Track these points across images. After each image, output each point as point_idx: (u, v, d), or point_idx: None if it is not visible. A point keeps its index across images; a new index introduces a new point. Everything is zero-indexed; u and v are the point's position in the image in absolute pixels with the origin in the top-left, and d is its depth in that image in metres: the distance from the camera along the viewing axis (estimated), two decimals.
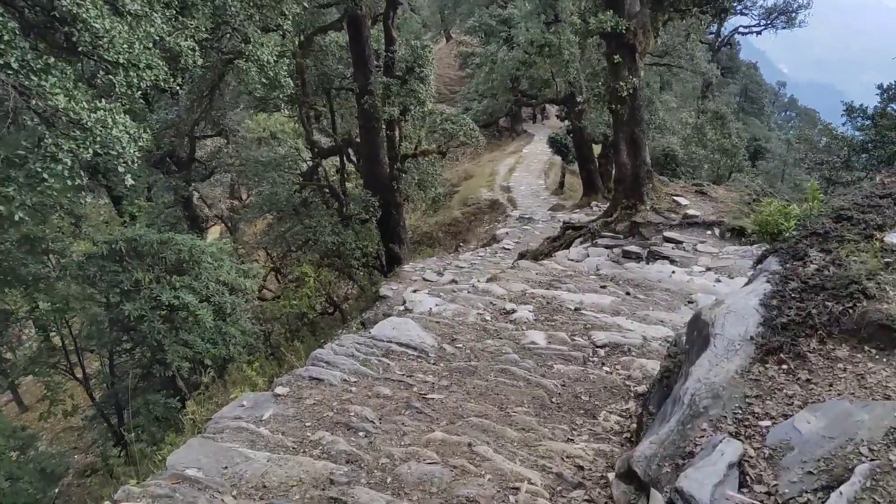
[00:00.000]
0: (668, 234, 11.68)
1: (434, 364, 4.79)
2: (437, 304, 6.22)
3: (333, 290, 21.47)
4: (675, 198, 12.96)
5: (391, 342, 5.08)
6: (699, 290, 7.19)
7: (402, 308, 13.22)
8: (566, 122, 32.53)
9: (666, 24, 13.87)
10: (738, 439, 2.63)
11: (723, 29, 47.30)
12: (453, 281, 16.60)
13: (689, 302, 6.84)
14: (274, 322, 20.26)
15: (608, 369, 4.84)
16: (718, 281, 9.39)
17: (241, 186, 32.31)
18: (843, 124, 20.02)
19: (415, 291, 13.89)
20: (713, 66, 36.26)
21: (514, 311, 6.15)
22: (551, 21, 27.64)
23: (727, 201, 12.75)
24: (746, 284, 4.08)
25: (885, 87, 18.91)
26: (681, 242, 11.31)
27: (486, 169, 41.76)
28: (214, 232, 38.26)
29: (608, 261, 11.45)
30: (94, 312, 13.56)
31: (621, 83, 12.17)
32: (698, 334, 3.57)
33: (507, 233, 22.82)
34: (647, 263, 10.91)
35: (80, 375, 16.07)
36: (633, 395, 4.42)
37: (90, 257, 12.42)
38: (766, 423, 2.67)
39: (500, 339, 5.42)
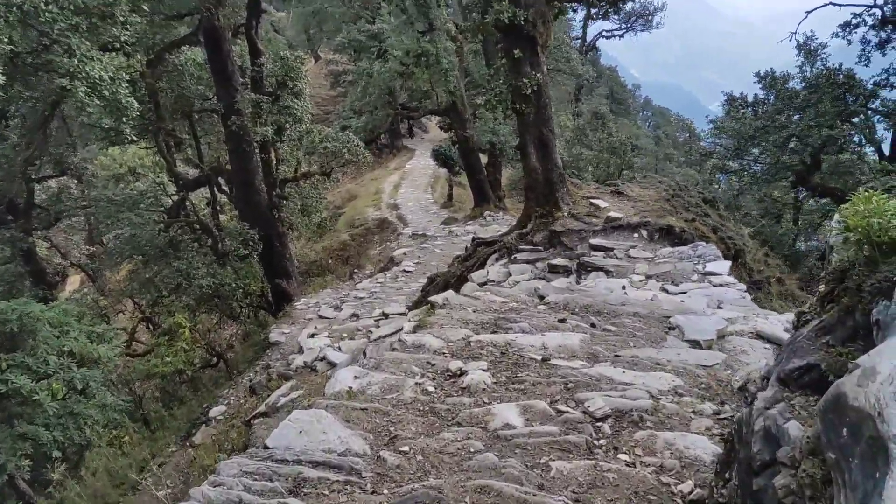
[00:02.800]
0: (594, 241, 10.52)
1: (373, 492, 3.06)
2: (356, 378, 4.47)
3: (215, 337, 18.85)
4: (592, 201, 11.89)
5: (301, 462, 3.26)
6: (671, 310, 5.91)
7: (299, 359, 11.20)
8: (450, 133, 31.60)
9: (557, 17, 12.83)
10: None
11: (587, 34, 48.66)
12: (354, 315, 14.72)
13: (668, 329, 5.51)
14: (147, 381, 17.49)
15: (627, 458, 3.35)
16: (666, 291, 8.24)
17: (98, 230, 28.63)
18: (726, 114, 20.34)
19: (312, 335, 11.90)
20: (588, 67, 36.78)
21: (463, 372, 4.54)
22: (426, 30, 26.44)
23: (646, 199, 11.85)
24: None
25: (762, 74, 19.19)
26: (610, 249, 10.16)
27: (371, 188, 40.24)
28: (74, 283, 33.86)
29: (535, 278, 10.09)
30: None
31: (524, 80, 10.94)
32: (851, 435, 2.05)
33: (404, 253, 21.17)
34: (579, 277, 9.65)
35: None
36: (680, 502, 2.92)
37: None
38: None
39: (460, 425, 3.78)
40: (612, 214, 11.03)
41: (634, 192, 12.17)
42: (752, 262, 11.12)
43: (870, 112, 16.82)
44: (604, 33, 48.16)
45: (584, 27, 46.25)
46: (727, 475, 2.92)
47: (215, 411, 11.03)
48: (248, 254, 17.94)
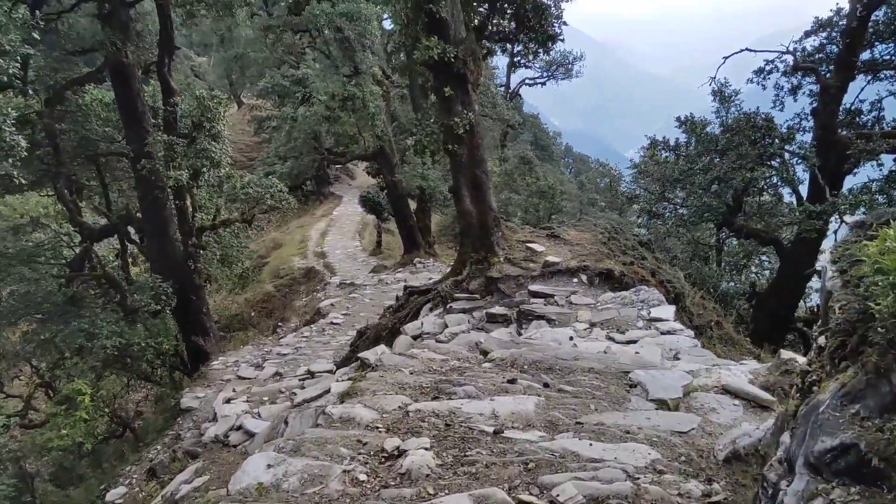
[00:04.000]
0: (533, 287, 10.00)
1: None
2: (270, 467, 3.57)
3: (121, 403, 17.13)
4: (528, 245, 11.44)
5: None
6: (629, 364, 5.34)
7: (212, 430, 10.00)
8: (378, 179, 31.07)
9: (487, 56, 12.57)
10: None
11: (511, 81, 49.69)
12: (277, 374, 13.60)
13: (630, 386, 4.92)
14: (41, 457, 15.63)
15: None
16: (613, 340, 7.75)
17: None
18: (641, 157, 20.74)
19: (228, 400, 10.73)
20: (514, 113, 37.31)
21: (401, 452, 3.75)
22: (351, 74, 26.07)
23: (583, 243, 11.50)
24: None
25: (682, 119, 19.65)
26: (551, 296, 9.65)
27: (296, 236, 39.11)
28: None
29: (473, 329, 9.44)
30: None
31: (456, 119, 10.48)
32: None
33: (332, 304, 20.14)
34: (520, 327, 9.06)
35: None
36: None
37: None
38: None
39: None
40: (550, 259, 10.59)
41: (570, 236, 11.81)
42: (691, 306, 10.89)
43: (787, 155, 17.41)
44: (527, 81, 49.33)
45: (508, 74, 47.24)
46: None
47: (113, 494, 9.65)
48: (161, 309, 16.51)
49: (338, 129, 28.39)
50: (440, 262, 28.09)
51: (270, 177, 20.57)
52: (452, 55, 10.25)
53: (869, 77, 17.88)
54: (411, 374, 5.25)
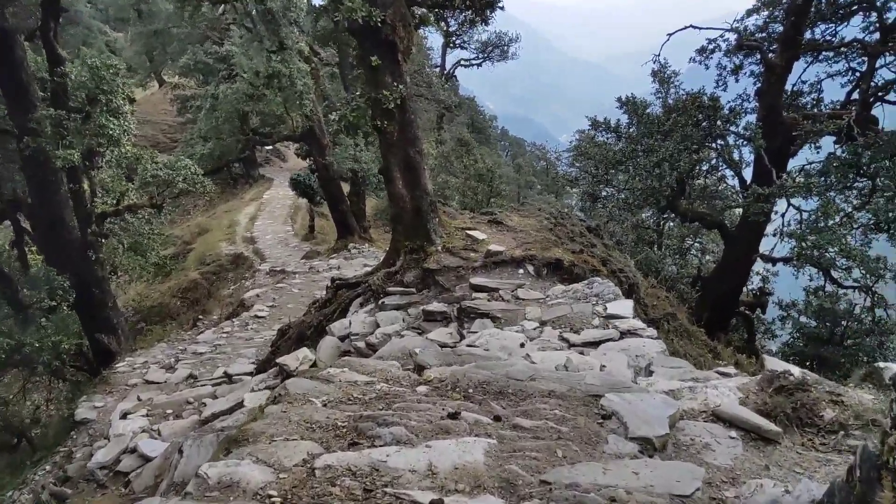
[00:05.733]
0: (475, 280, 8.93)
1: None
2: None
3: (15, 411, 15.20)
4: (468, 232, 10.36)
5: None
6: (598, 385, 4.31)
7: (100, 453, 8.53)
8: (309, 161, 29.44)
9: (420, 25, 11.33)
10: None
11: (446, 62, 48.46)
12: (191, 377, 12.13)
13: (602, 417, 3.89)
14: None
15: None
16: (567, 342, 6.78)
17: None
18: (577, 140, 20.05)
19: (125, 415, 9.24)
20: (450, 93, 36.14)
21: None
22: (276, 49, 24.23)
23: (527, 230, 10.50)
24: None
25: (623, 99, 18.96)
26: (495, 290, 8.61)
27: (224, 220, 37.06)
28: None
29: (409, 328, 8.31)
30: None
31: (385, 92, 9.24)
32: None
33: (257, 295, 18.61)
34: (462, 326, 7.99)
35: None
36: None
37: None
38: None
39: None
40: (493, 248, 9.54)
41: (514, 222, 10.79)
42: (645, 297, 10.09)
43: (732, 136, 16.97)
44: (462, 62, 48.23)
45: (443, 55, 46.09)
46: None
47: None
48: (57, 305, 14.65)
49: (263, 109, 26.61)
50: (376, 247, 26.84)
51: (185, 159, 18.71)
52: (379, 19, 8.99)
53: (809, 59, 17.61)
54: (325, 405, 4.08)
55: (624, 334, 6.94)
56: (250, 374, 11.04)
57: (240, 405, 8.13)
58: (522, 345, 5.92)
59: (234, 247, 30.81)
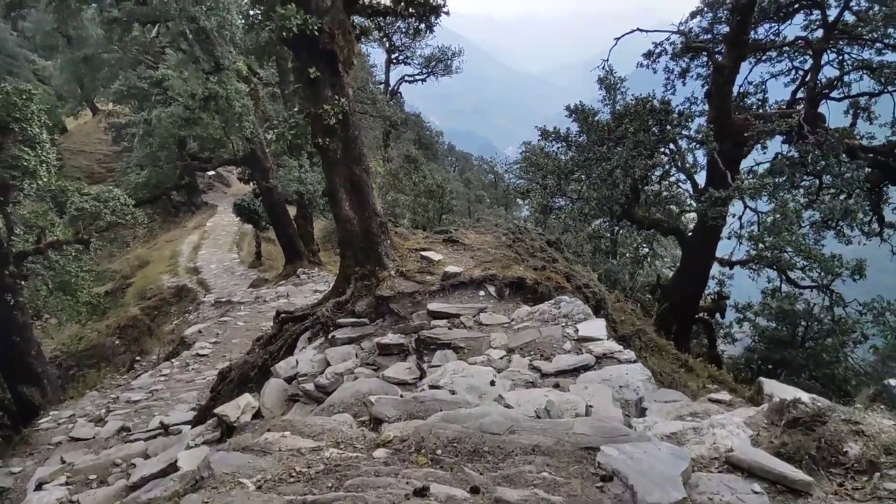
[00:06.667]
0: (433, 306, 8.19)
1: None
2: None
3: None
4: (422, 253, 9.63)
5: None
6: (590, 434, 3.61)
7: None
8: (253, 185, 28.32)
9: (361, 36, 10.61)
10: None
11: (390, 77, 47.93)
12: (124, 429, 10.98)
13: (601, 479, 3.18)
14: None
15: None
16: (538, 370, 6.11)
17: None
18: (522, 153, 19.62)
19: (40, 486, 8.08)
20: (395, 109, 35.51)
21: None
22: (212, 70, 23.16)
23: (485, 247, 9.83)
24: None
25: (571, 107, 18.64)
26: (455, 316, 7.89)
27: (166, 251, 35.53)
28: None
29: (363, 364, 7.50)
30: None
31: (326, 107, 8.48)
32: None
33: (199, 330, 17.40)
34: (421, 359, 7.22)
35: None
36: None
37: None
38: None
39: None
40: (450, 269, 8.83)
41: (471, 240, 10.12)
42: (613, 312, 9.54)
43: (684, 141, 16.79)
44: (406, 78, 47.78)
45: (387, 70, 45.54)
46: None
47: None
48: None
49: (201, 133, 25.43)
50: (326, 271, 25.89)
51: (115, 189, 17.47)
52: (316, 27, 8.23)
53: (753, 60, 17.64)
54: (259, 487, 3.27)
55: (600, 359, 6.31)
56: (190, 422, 10.00)
57: (173, 467, 7.13)
58: (492, 382, 5.21)
59: (177, 279, 29.44)
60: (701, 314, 18.65)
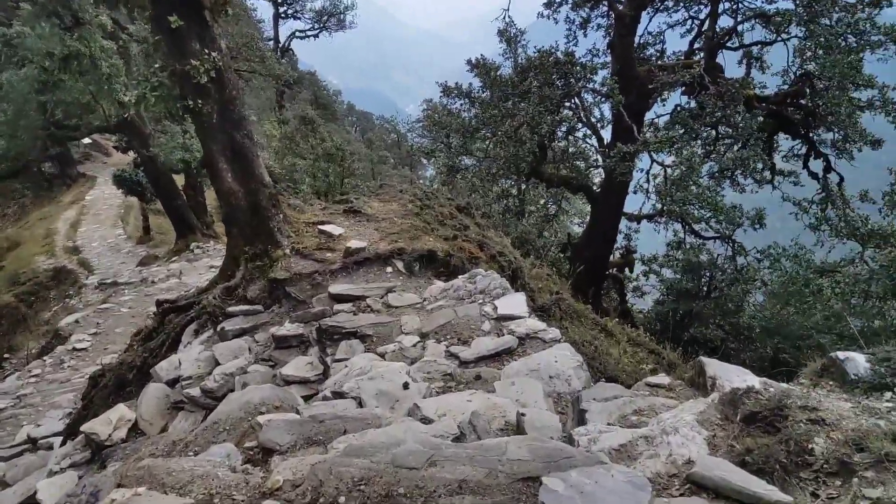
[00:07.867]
0: (335, 288, 7.32)
1: None
2: None
3: None
4: (321, 227, 8.67)
5: None
6: (521, 454, 2.92)
7: None
8: (133, 155, 25.87)
9: None
10: None
11: (280, 34, 45.14)
12: None
13: None
14: None
15: None
16: (455, 357, 5.44)
17: None
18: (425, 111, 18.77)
19: None
20: (287, 67, 33.34)
21: None
22: (70, 26, 20.58)
23: (391, 217, 8.98)
24: None
25: (473, 61, 17.84)
26: (361, 298, 7.07)
27: (39, 230, 32.37)
28: None
29: (258, 361, 6.58)
30: None
31: (193, 62, 7.24)
32: None
33: (78, 321, 15.64)
34: (324, 352, 6.38)
35: None
36: None
37: None
38: None
39: None
40: (353, 244, 7.95)
41: (374, 209, 9.25)
42: (530, 280, 9.01)
43: (590, 94, 16.44)
44: (297, 33, 45.20)
45: (276, 26, 42.81)
46: None
47: None
48: None
49: (65, 97, 22.69)
50: (222, 244, 24.20)
51: None
52: None
53: (651, 10, 17.42)
54: None
55: (523, 340, 5.71)
56: (63, 433, 8.73)
57: (32, 497, 6.02)
58: (406, 385, 4.46)
59: (55, 260, 26.81)
60: (611, 269, 18.73)
